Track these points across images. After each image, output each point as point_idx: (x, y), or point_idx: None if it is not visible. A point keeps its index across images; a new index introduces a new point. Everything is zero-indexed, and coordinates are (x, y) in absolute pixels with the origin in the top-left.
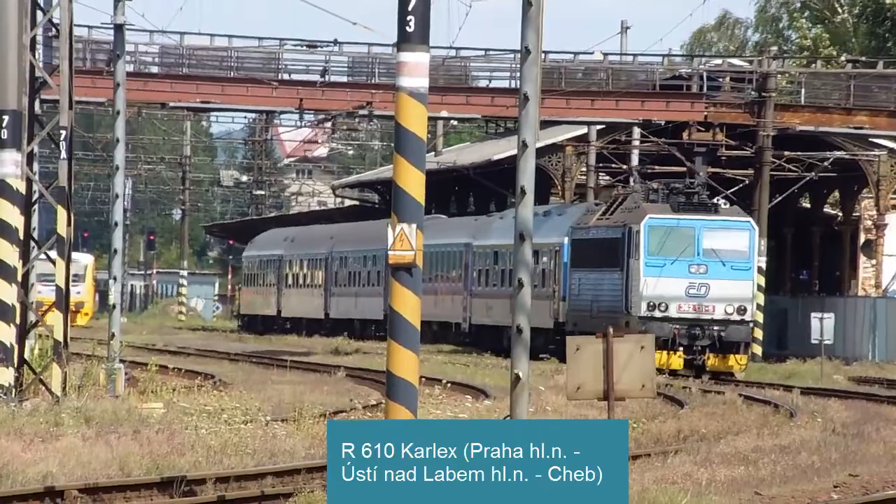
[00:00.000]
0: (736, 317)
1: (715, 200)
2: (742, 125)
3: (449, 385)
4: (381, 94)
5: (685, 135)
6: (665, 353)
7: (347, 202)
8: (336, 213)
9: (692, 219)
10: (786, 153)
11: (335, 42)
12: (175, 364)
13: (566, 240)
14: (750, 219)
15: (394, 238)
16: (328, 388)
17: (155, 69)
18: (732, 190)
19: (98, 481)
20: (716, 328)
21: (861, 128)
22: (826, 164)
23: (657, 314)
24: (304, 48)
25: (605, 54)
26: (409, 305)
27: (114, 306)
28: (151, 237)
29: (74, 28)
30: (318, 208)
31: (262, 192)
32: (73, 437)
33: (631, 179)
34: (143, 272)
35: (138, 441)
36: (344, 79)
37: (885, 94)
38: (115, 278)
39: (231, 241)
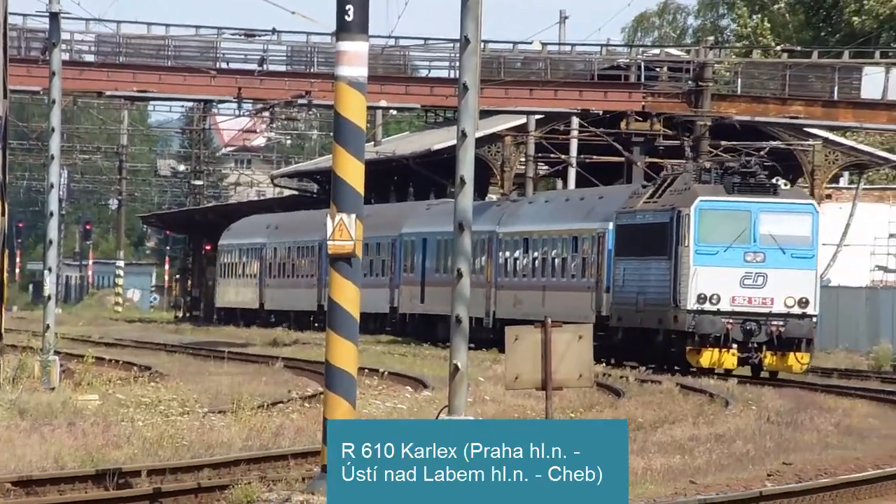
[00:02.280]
0: (797, 310)
1: (774, 180)
2: (679, 115)
3: (387, 375)
4: (320, 83)
5: (623, 125)
6: (717, 350)
7: (286, 192)
8: (274, 202)
9: (748, 201)
10: (722, 143)
11: (273, 31)
12: (111, 356)
13: (610, 225)
14: (813, 201)
15: (333, 228)
16: (266, 378)
17: (91, 58)
18: None
19: (32, 474)
20: (774, 323)
21: (796, 117)
22: (762, 153)
23: (708, 307)
24: (243, 37)
25: (544, 44)
26: (348, 296)
27: (48, 297)
28: (87, 227)
29: (9, 16)
30: (256, 199)
31: (200, 182)
32: (7, 430)
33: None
34: (78, 263)
35: (73, 433)
36: (282, 68)
37: (821, 83)
38: (49, 269)
39: (168, 232)
